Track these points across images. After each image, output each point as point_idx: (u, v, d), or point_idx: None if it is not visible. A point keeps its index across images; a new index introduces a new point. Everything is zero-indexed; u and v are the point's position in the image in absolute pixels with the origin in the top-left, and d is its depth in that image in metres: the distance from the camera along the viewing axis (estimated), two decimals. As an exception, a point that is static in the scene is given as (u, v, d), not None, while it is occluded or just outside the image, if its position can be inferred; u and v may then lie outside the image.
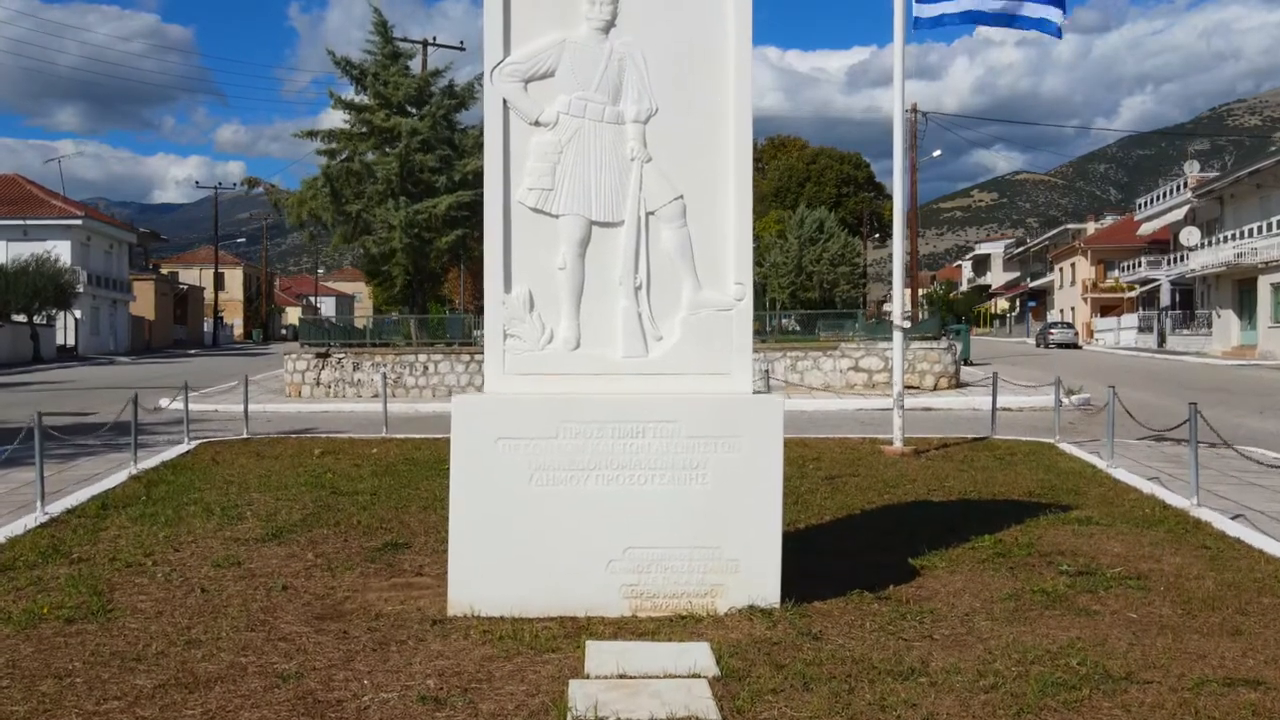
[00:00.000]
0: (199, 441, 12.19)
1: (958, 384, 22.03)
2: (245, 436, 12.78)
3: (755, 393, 4.94)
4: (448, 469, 10.21)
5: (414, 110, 27.30)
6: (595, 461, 4.74)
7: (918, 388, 21.23)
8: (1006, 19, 10.55)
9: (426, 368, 22.21)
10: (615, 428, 4.75)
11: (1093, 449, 11.57)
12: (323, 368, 22.15)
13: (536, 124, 4.92)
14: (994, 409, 12.94)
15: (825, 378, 21.89)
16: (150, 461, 10.29)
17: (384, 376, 13.93)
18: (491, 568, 4.72)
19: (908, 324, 11.75)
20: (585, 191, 4.91)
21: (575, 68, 4.91)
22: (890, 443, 11.00)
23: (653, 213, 4.94)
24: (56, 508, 7.71)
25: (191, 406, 21.38)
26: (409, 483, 8.80)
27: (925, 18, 10.47)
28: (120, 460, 10.55)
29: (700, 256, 4.94)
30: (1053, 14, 10.45)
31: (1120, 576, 5.40)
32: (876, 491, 8.21)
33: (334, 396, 21.84)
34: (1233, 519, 7.25)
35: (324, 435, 13.64)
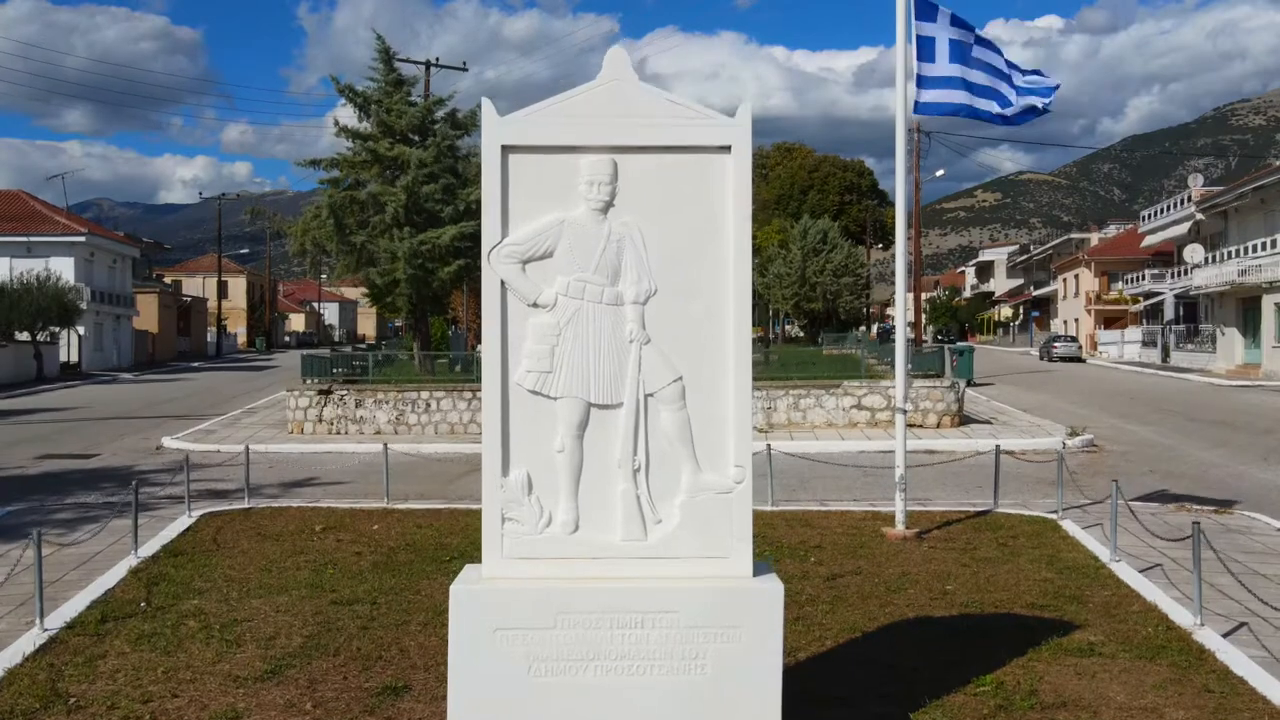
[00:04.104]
0: (201, 513, 12.18)
1: (961, 421, 22.00)
2: (247, 506, 12.76)
3: (756, 574, 4.90)
4: (447, 559, 10.05)
5: (417, 138, 27.30)
6: (594, 652, 4.71)
7: (920, 425, 21.21)
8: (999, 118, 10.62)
9: (429, 404, 22.23)
10: (614, 618, 4.71)
11: (1097, 517, 11.57)
12: (325, 405, 22.17)
13: (535, 305, 4.87)
14: (996, 481, 12.90)
15: (828, 415, 21.87)
16: (151, 546, 10.29)
17: (385, 447, 13.89)
18: (490, 758, 4.69)
19: (909, 407, 11.70)
20: (584, 373, 4.87)
21: (574, 248, 4.86)
22: (892, 520, 10.98)
23: (652, 394, 4.89)
24: (56, 620, 7.71)
25: (192, 447, 21.29)
26: (409, 582, 8.79)
27: (923, 102, 10.44)
28: (122, 533, 10.54)
29: (700, 438, 4.90)
30: (1034, 100, 10.54)
31: (1123, 745, 5.37)
32: (878, 599, 8.17)
33: (337, 434, 21.87)
34: (1229, 634, 7.23)
35: (324, 497, 13.61)
